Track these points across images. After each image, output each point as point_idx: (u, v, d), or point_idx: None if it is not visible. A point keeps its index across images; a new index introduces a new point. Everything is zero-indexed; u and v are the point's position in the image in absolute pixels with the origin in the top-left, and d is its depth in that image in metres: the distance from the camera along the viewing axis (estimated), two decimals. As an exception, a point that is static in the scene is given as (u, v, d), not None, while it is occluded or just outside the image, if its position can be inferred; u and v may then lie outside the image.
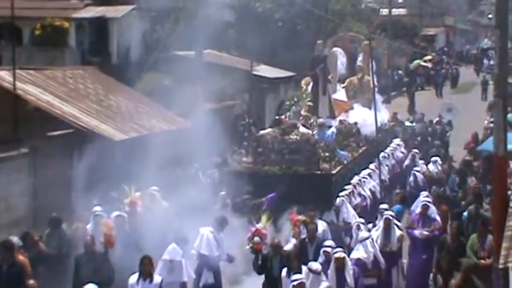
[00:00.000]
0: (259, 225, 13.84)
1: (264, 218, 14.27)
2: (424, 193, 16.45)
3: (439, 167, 21.01)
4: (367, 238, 13.67)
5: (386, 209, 15.18)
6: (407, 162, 21.65)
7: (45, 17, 28.67)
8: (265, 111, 30.73)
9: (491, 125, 25.06)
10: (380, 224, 14.72)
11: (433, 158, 21.48)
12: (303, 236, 14.05)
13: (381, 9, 55.56)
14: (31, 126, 18.91)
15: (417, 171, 20.14)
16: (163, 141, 17.69)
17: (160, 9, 32.00)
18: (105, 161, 19.39)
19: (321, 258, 12.90)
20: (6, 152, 17.76)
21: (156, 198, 16.16)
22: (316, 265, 12.05)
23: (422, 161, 21.50)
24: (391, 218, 14.57)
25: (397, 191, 18.65)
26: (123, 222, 14.47)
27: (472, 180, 18.97)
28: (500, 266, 10.82)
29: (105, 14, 29.80)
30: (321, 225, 14.68)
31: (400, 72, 50.42)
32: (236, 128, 27.13)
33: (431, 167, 21.00)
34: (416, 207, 15.75)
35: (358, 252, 13.49)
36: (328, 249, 12.88)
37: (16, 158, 17.89)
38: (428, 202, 15.57)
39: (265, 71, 31.30)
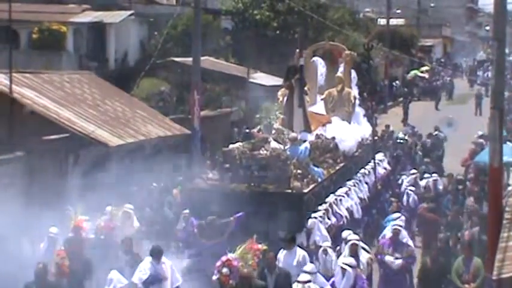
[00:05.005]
0: (231, 255, 12.35)
1: (238, 249, 12.76)
2: (396, 215, 16.01)
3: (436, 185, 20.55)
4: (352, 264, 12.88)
5: (349, 234, 14.14)
6: (406, 182, 20.87)
7: (43, 21, 28.66)
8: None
9: (480, 140, 25.12)
10: (345, 251, 13.76)
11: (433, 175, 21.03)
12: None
13: (378, 19, 55.63)
14: (27, 130, 18.89)
15: (411, 190, 19.65)
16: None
17: (158, 15, 32.06)
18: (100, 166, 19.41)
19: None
20: (0, 155, 17.71)
21: (131, 217, 15.51)
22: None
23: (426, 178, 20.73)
24: (357, 243, 13.76)
25: (393, 200, 18.16)
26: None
27: (469, 201, 18.46)
28: (494, 277, 10.80)
29: (102, 19, 29.81)
30: (300, 254, 13.49)
31: (397, 82, 50.50)
32: (232, 135, 27.03)
33: (423, 183, 20.47)
34: (388, 231, 15.02)
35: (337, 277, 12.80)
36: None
37: (11, 161, 17.83)
38: (400, 226, 14.81)
39: (262, 78, 31.25)
